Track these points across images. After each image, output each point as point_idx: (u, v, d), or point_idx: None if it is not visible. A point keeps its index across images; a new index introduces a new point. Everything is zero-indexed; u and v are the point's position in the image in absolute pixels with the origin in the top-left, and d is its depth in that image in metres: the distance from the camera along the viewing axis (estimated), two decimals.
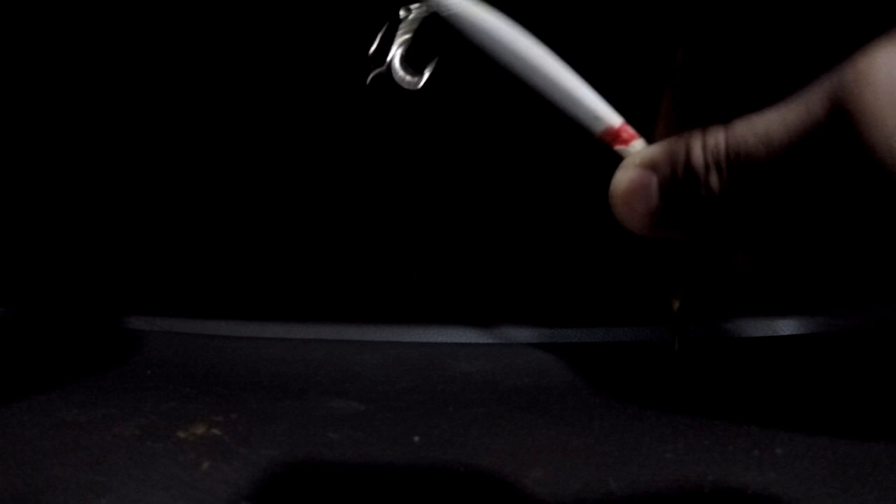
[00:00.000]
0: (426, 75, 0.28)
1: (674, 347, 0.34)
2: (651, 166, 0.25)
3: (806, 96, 0.21)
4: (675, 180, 0.24)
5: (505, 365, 0.42)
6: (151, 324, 0.48)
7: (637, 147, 0.27)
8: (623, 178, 0.25)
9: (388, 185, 0.49)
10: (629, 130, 0.27)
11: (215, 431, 0.33)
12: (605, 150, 0.27)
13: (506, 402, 0.37)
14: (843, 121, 0.19)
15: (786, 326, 0.44)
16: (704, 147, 0.23)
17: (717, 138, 0.23)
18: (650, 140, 0.28)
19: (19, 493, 0.28)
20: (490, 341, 0.46)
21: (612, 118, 0.27)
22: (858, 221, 0.22)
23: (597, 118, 0.27)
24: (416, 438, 0.33)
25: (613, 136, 0.27)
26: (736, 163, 0.22)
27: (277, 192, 0.50)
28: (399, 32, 0.28)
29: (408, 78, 0.28)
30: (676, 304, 0.32)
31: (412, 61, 0.28)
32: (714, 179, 0.23)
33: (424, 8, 0.27)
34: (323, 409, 0.36)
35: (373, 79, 0.28)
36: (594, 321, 0.45)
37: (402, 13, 0.28)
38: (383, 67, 0.28)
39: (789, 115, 0.21)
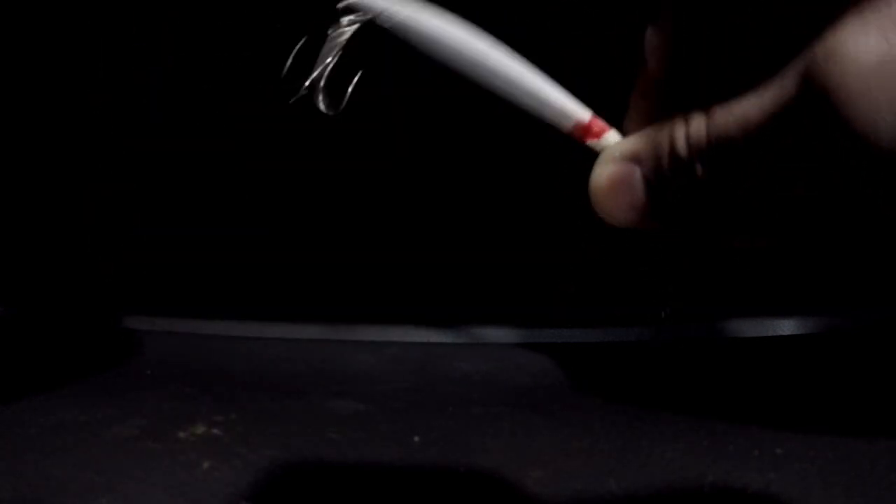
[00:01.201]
0: (347, 96, 0.25)
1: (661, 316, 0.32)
2: (633, 159, 0.24)
3: (780, 77, 0.20)
4: (661, 172, 0.23)
5: (505, 365, 0.42)
6: (152, 324, 0.48)
7: (611, 139, 0.25)
8: (603, 173, 0.24)
9: (387, 185, 0.49)
10: (600, 123, 0.25)
11: (215, 431, 0.33)
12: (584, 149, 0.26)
13: (506, 402, 0.37)
14: (815, 101, 0.19)
15: (786, 326, 0.44)
16: (688, 135, 0.22)
17: (699, 125, 0.22)
18: (622, 131, 0.27)
19: (19, 493, 0.28)
20: (490, 341, 0.46)
21: (580, 113, 0.25)
22: (846, 199, 0.22)
23: (564, 115, 0.25)
24: (416, 438, 0.33)
25: (584, 130, 0.25)
26: (717, 148, 0.22)
27: (277, 192, 0.50)
28: (325, 51, 0.24)
29: (328, 102, 0.25)
30: (669, 288, 0.31)
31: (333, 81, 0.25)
32: (699, 168, 0.22)
33: (359, 19, 0.24)
34: (323, 409, 0.36)
35: (294, 101, 0.25)
36: (594, 321, 0.45)
37: (331, 31, 0.25)
38: (303, 91, 0.25)
39: (764, 96, 0.21)
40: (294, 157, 0.50)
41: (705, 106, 0.22)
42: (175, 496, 0.28)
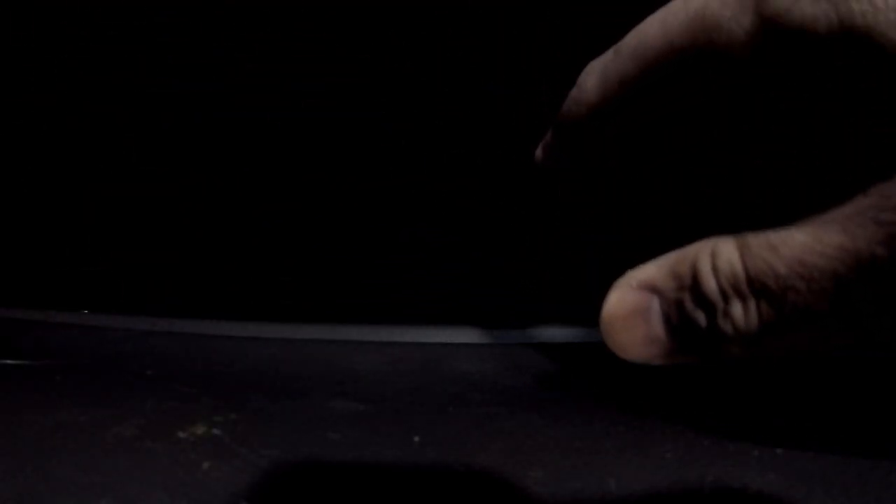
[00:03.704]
0: None
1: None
2: (650, 288, 0.21)
3: (838, 215, 0.17)
4: (682, 308, 0.20)
5: (505, 365, 0.42)
6: (152, 324, 0.48)
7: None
8: (616, 300, 0.22)
9: (386, 184, 0.49)
10: None
11: (215, 431, 0.33)
12: None
13: (506, 402, 0.37)
14: None
15: None
16: (716, 271, 0.19)
17: (732, 262, 0.19)
18: (546, 148, 0.23)
19: (19, 493, 0.28)
20: (490, 341, 0.46)
21: None
22: None
23: None
24: (416, 438, 0.33)
25: None
26: (765, 293, 0.18)
27: (277, 192, 0.50)
28: None
29: None
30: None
31: None
32: (737, 311, 0.19)
33: None
34: (323, 409, 0.36)
35: None
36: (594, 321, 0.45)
37: None
38: None
39: (823, 236, 0.17)
40: (292, 156, 0.50)
41: (719, 222, 0.20)
42: (175, 496, 0.28)
